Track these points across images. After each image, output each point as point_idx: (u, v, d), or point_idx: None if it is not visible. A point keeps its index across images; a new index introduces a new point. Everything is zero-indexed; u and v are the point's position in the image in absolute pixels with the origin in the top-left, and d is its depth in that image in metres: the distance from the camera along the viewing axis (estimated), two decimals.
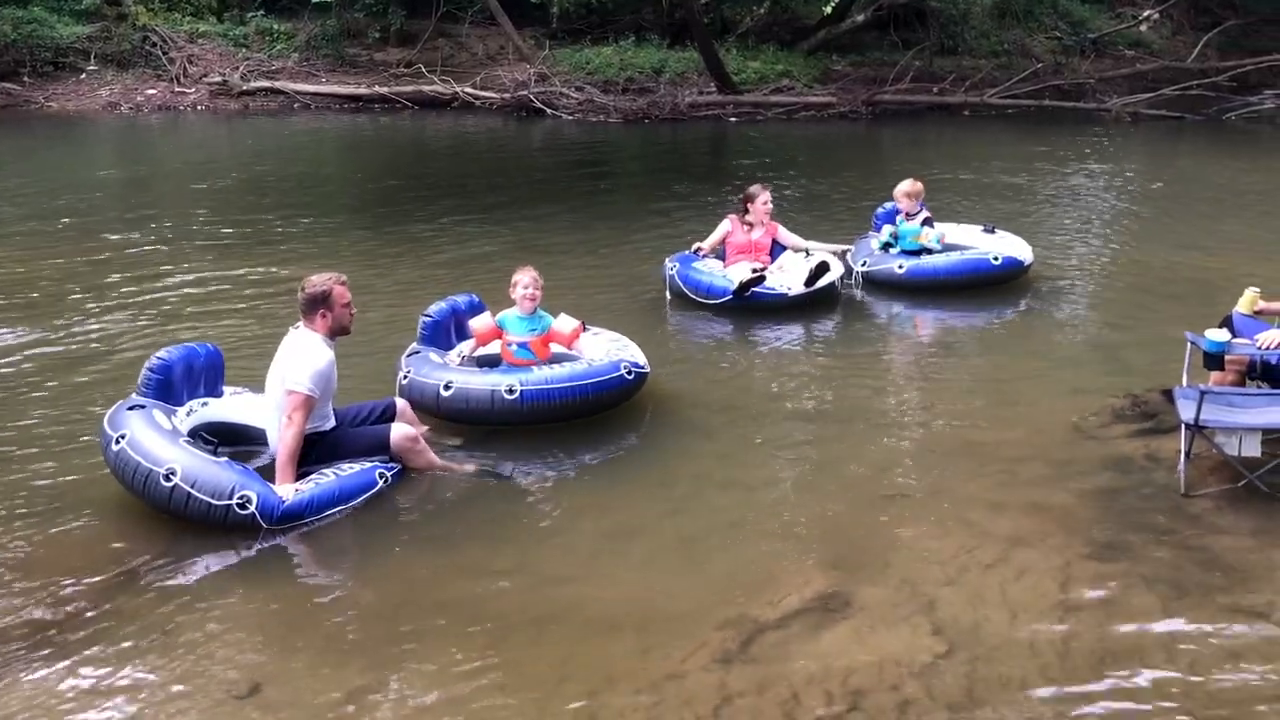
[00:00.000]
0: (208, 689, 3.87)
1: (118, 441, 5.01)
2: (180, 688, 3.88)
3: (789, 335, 7.87)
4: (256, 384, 5.77)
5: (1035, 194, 13.02)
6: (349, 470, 5.27)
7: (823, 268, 8.15)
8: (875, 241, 8.95)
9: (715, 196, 13.02)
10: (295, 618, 4.39)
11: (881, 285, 8.66)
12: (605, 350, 6.37)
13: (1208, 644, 4.04)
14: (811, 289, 8.09)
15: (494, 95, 21.43)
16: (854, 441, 5.99)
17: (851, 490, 5.40)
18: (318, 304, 5.30)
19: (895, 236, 8.87)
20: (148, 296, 8.70)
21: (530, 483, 5.50)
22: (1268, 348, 5.62)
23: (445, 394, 5.93)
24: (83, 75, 22.41)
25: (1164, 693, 3.77)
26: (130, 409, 5.20)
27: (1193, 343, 5.69)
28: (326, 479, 5.18)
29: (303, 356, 5.18)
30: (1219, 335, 5.55)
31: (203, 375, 5.63)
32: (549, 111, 20.49)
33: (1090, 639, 4.08)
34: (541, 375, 5.97)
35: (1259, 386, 5.81)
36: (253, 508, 4.87)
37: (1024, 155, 15.93)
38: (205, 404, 5.60)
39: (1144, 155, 16.77)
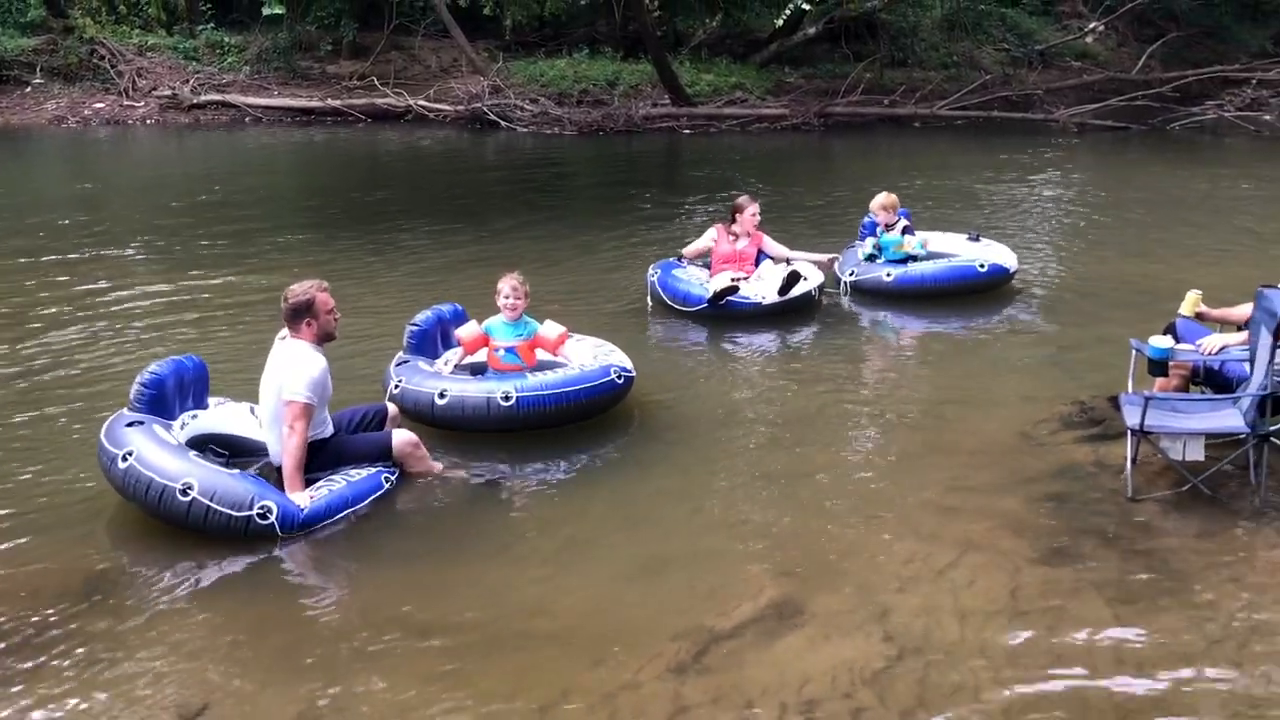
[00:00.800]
0: (155, 711, 3.82)
1: (125, 459, 4.96)
2: (128, 709, 3.82)
3: (758, 344, 7.93)
4: (232, 394, 5.76)
5: (984, 204, 13.19)
6: (356, 475, 5.33)
7: (794, 277, 8.19)
8: (861, 251, 9.07)
9: (672, 208, 13.09)
10: (249, 635, 4.33)
11: (869, 294, 8.76)
12: (591, 356, 6.44)
13: (1155, 647, 4.09)
14: (785, 298, 8.15)
15: (448, 108, 21.42)
16: (811, 450, 6.03)
17: (806, 499, 5.43)
18: (302, 313, 5.30)
19: (878, 248, 9.00)
20: (102, 311, 8.59)
21: (489, 495, 5.48)
22: (1210, 353, 5.73)
23: (440, 402, 5.95)
24: (28, 88, 22.12)
25: (1113, 697, 3.81)
26: (129, 425, 5.14)
27: (1137, 349, 5.78)
28: (337, 484, 5.25)
29: (298, 366, 5.19)
30: (1163, 342, 5.64)
31: (191, 387, 5.61)
32: (503, 124, 20.50)
33: (1040, 643, 4.12)
34: (536, 381, 6.02)
35: (1202, 391, 5.92)
36: (273, 518, 4.91)
37: (973, 166, 16.13)
38: (195, 416, 5.56)
39: (1090, 165, 17.04)
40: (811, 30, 23.66)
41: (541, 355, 6.50)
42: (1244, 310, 5.84)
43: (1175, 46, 24.81)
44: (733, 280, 8.24)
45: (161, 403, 5.37)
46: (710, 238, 8.75)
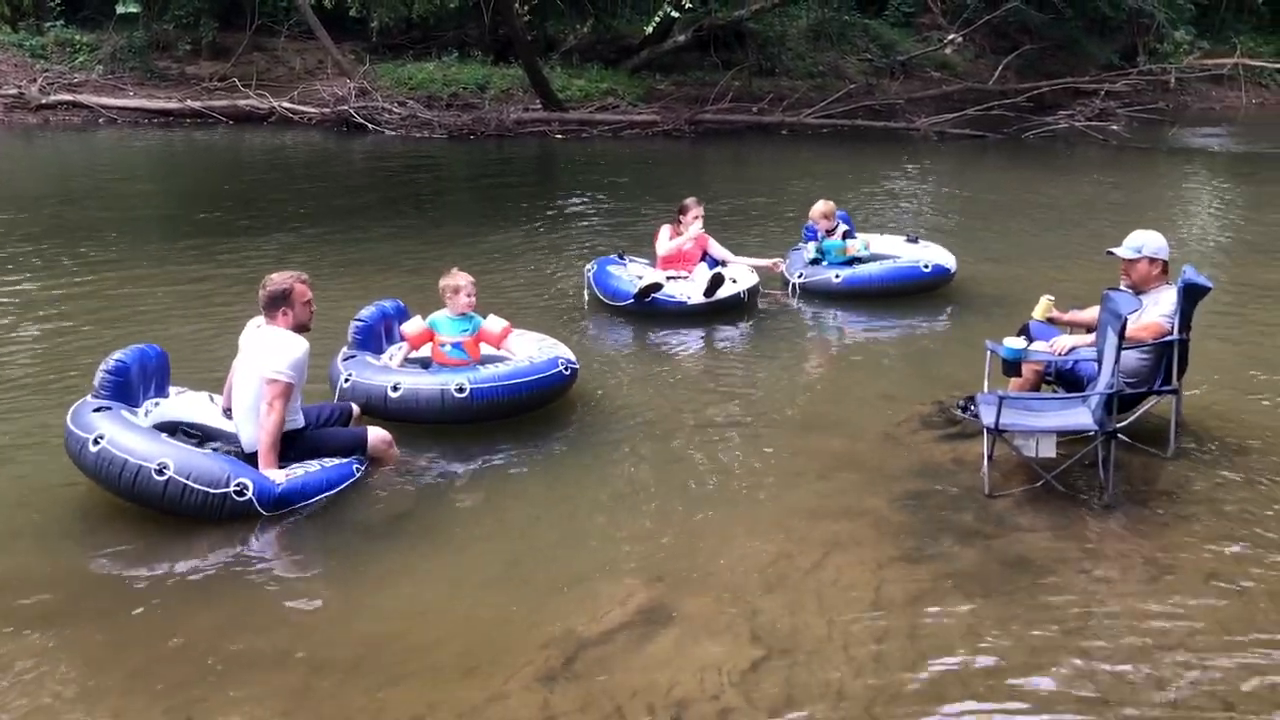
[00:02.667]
0: None
1: (96, 442, 4.99)
2: None
3: (671, 344, 8.04)
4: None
5: (849, 210, 13.43)
6: (329, 462, 5.40)
7: (718, 280, 8.35)
8: (805, 255, 9.26)
9: (552, 211, 13.04)
10: (105, 655, 4.14)
11: (817, 295, 9.01)
12: (535, 349, 6.58)
13: (1011, 640, 4.20)
14: (710, 300, 8.29)
15: (313, 110, 20.96)
16: (682, 453, 6.06)
17: (675, 502, 5.45)
18: (279, 301, 5.37)
19: (821, 252, 9.21)
20: None
21: (356, 508, 5.34)
22: (1061, 353, 5.95)
23: (394, 394, 6.01)
24: None
25: (972, 690, 3.91)
26: (96, 410, 5.19)
27: (992, 350, 5.96)
28: (312, 467, 5.32)
29: (281, 347, 5.27)
30: (1016, 343, 5.83)
31: (154, 376, 5.65)
32: (371, 126, 20.14)
33: (903, 639, 4.21)
34: (488, 374, 6.14)
35: (1055, 391, 6.14)
36: (250, 494, 4.99)
37: (839, 172, 16.49)
38: (158, 404, 5.60)
39: (950, 172, 17.56)
40: (681, 38, 23.87)
41: (485, 349, 6.58)
42: (1093, 313, 6.08)
43: (1029, 58, 25.80)
44: (654, 280, 8.36)
45: (126, 389, 5.42)
46: (664, 238, 8.94)
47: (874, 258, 9.22)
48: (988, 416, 5.31)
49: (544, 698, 3.85)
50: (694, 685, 3.90)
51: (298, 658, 4.11)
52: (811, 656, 4.08)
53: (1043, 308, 6.42)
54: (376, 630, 4.30)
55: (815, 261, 9.18)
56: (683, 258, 8.87)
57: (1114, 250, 6.08)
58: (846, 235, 9.27)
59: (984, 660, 4.07)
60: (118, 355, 5.47)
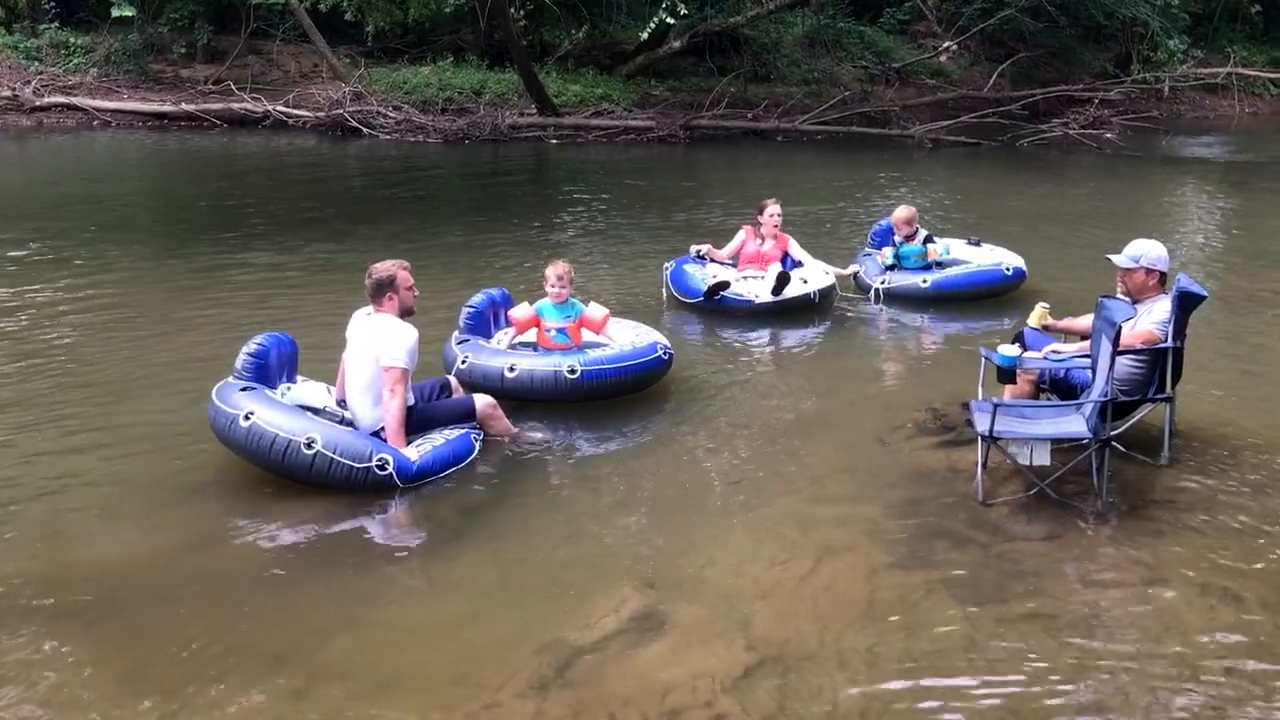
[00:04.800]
0: None
1: (246, 418, 5.35)
2: None
3: (722, 342, 8.21)
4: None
5: (846, 215, 13.48)
6: (451, 434, 5.78)
7: (784, 279, 8.51)
8: (880, 260, 9.37)
9: (539, 218, 13.03)
10: (94, 654, 4.11)
11: (901, 299, 9.08)
12: (633, 335, 7.02)
13: (1006, 647, 4.20)
14: (777, 299, 8.47)
15: (308, 114, 20.95)
16: (675, 459, 6.05)
17: (668, 508, 5.44)
18: (384, 288, 5.75)
19: (898, 257, 9.30)
20: None
21: (346, 514, 5.32)
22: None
23: (510, 375, 6.46)
24: None
25: (965, 697, 3.90)
26: (242, 390, 5.56)
27: (986, 358, 5.96)
28: (437, 441, 5.69)
29: (394, 335, 5.62)
30: (1011, 350, 5.83)
31: (287, 362, 6.00)
32: (365, 131, 20.14)
33: (896, 646, 4.19)
34: (597, 356, 6.62)
35: (1049, 398, 6.14)
36: (390, 468, 5.35)
37: (834, 179, 16.51)
38: (289, 388, 5.93)
39: (944, 179, 17.58)
40: (677, 44, 23.88)
41: (586, 335, 6.98)
42: (1087, 321, 6.07)
43: (1024, 66, 25.87)
44: (724, 279, 8.61)
45: (265, 372, 5.79)
46: (739, 238, 9.23)
47: (954, 262, 9.35)
48: (982, 424, 5.30)
49: (537, 705, 3.83)
50: (687, 692, 3.89)
51: (292, 662, 4.08)
52: (805, 664, 4.07)
53: (1038, 315, 6.43)
54: (370, 638, 4.28)
55: (891, 267, 9.28)
56: (760, 258, 9.06)
57: (1112, 258, 6.08)
58: (928, 240, 9.39)
59: (978, 668, 4.06)
60: (258, 340, 5.84)
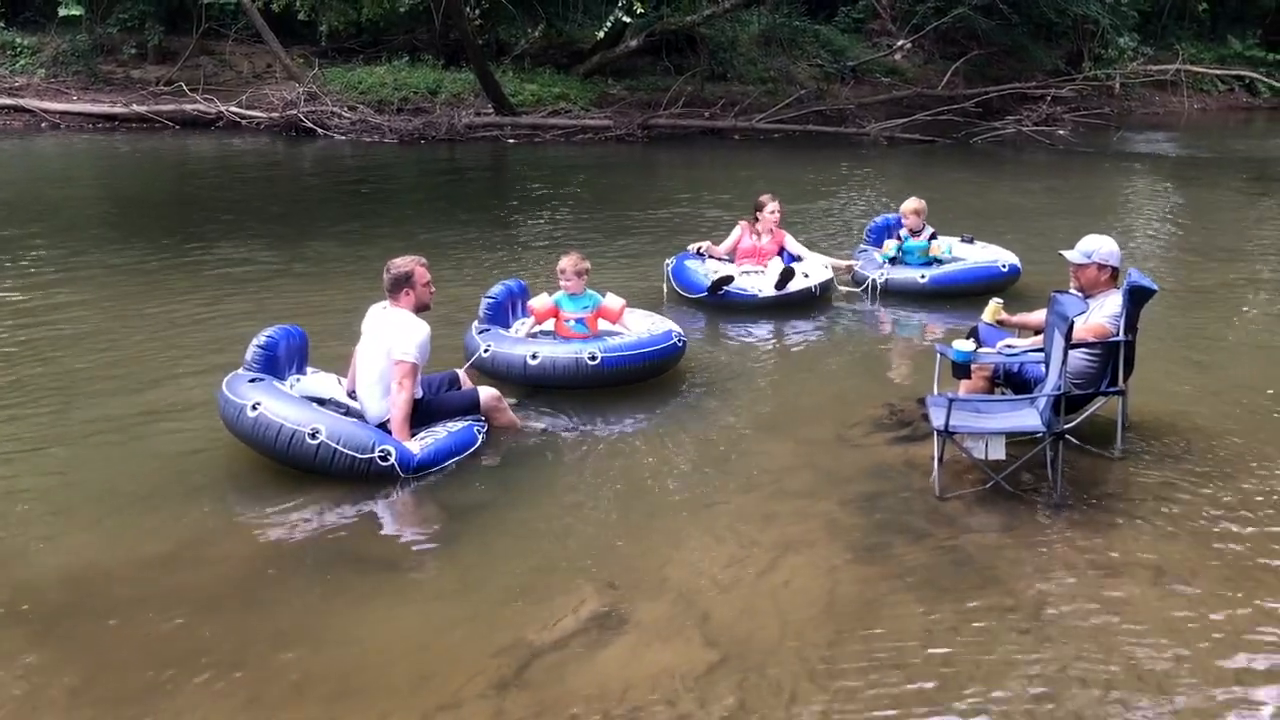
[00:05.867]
0: None
1: (254, 408, 5.45)
2: None
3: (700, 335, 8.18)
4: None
5: (804, 213, 13.51)
6: (454, 428, 5.86)
7: (789, 273, 8.65)
8: (881, 254, 9.43)
9: (498, 216, 12.98)
10: (46, 664, 4.05)
11: (897, 294, 9.18)
12: (648, 324, 7.25)
13: (964, 640, 4.23)
14: (781, 293, 8.58)
15: (261, 115, 20.73)
16: (633, 458, 6.04)
17: (628, 507, 5.43)
18: (402, 283, 5.88)
19: (902, 251, 9.36)
20: None
21: (305, 519, 5.27)
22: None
23: (533, 362, 6.66)
24: None
25: (923, 691, 3.92)
26: (250, 381, 5.68)
27: (942, 353, 6.01)
28: (440, 434, 5.79)
29: (407, 330, 5.75)
30: (965, 346, 5.89)
31: (297, 354, 6.12)
32: (320, 131, 19.98)
33: (855, 641, 4.22)
34: (616, 344, 6.83)
35: (1004, 393, 6.19)
36: (393, 459, 5.45)
37: (793, 177, 16.55)
38: (299, 380, 6.07)
39: (901, 176, 17.70)
40: (633, 43, 23.87)
41: (602, 324, 7.17)
42: (1040, 316, 6.14)
43: (977, 64, 26.09)
44: (727, 274, 8.74)
45: (274, 364, 5.90)
46: (736, 234, 9.38)
47: (955, 260, 9.40)
48: (937, 418, 5.34)
49: (497, 706, 3.81)
50: (648, 691, 3.89)
51: (249, 669, 4.04)
52: (765, 660, 4.08)
53: (991, 310, 6.50)
54: (328, 641, 4.24)
55: (894, 260, 9.34)
56: (758, 253, 9.20)
57: (1064, 254, 6.14)
58: (933, 236, 9.45)
59: (935, 662, 4.09)
60: (268, 332, 5.95)
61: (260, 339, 5.92)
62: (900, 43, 27.08)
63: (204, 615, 4.42)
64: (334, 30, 22.20)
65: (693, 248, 9.31)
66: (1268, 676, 4.02)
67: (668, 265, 9.21)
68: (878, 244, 9.70)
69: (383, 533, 5.27)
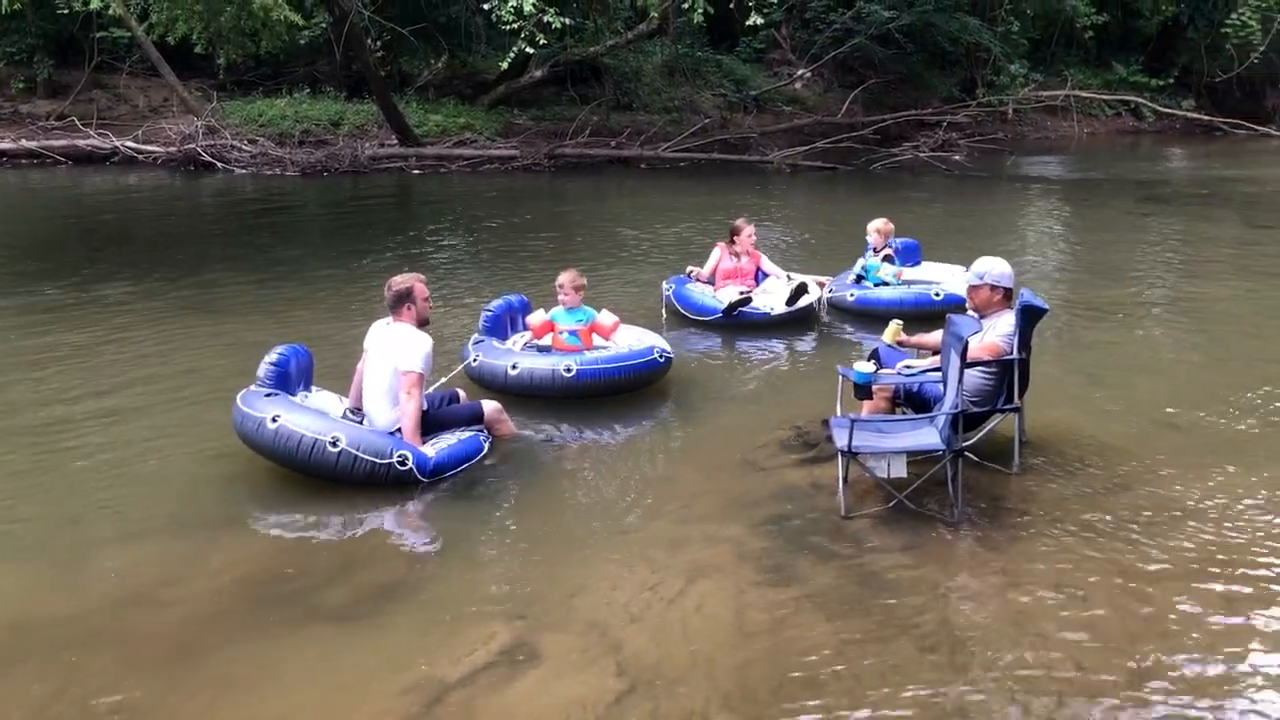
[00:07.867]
0: None
1: (273, 420, 5.68)
2: None
3: None
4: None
5: (718, 236, 13.63)
6: (462, 436, 6.17)
7: (801, 289, 9.07)
8: (850, 275, 9.71)
9: (403, 247, 12.87)
10: None
11: (839, 311, 9.60)
12: (637, 340, 7.59)
13: (872, 658, 4.28)
14: (792, 308, 8.98)
15: (159, 149, 20.30)
16: (539, 489, 6.02)
17: (535, 538, 5.40)
18: (403, 299, 6.17)
19: (865, 269, 9.66)
20: None
21: (192, 558, 5.15)
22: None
23: (512, 373, 7.04)
24: None
25: (834, 711, 3.96)
26: (266, 396, 5.92)
27: (844, 375, 6.11)
28: (450, 441, 6.09)
29: (412, 342, 6.05)
30: (866, 367, 6.00)
31: (304, 372, 6.38)
32: (220, 165, 19.62)
33: (765, 663, 4.25)
34: (592, 357, 7.20)
35: (904, 413, 6.31)
36: (410, 464, 5.72)
37: (698, 205, 16.71)
38: (306, 396, 6.33)
39: (803, 203, 18.00)
40: (538, 73, 23.94)
41: (597, 340, 7.53)
42: (938, 336, 6.28)
43: (875, 92, 26.70)
44: (741, 294, 9.14)
45: (285, 379, 6.16)
46: (715, 256, 9.69)
47: (905, 284, 9.58)
48: (840, 439, 5.43)
49: None
50: None
51: (154, 716, 3.92)
52: (676, 686, 4.09)
53: (892, 331, 6.63)
54: (232, 684, 4.14)
55: (860, 279, 9.62)
56: (740, 273, 9.61)
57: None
58: (888, 259, 9.70)
59: (844, 681, 4.13)
60: (279, 350, 6.22)
61: (272, 356, 6.18)
62: (800, 72, 27.59)
63: (96, 662, 4.28)
64: (232, 63, 21.84)
65: (688, 271, 9.67)
66: (1163, 679, 4.14)
67: (667, 290, 9.44)
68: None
69: (286, 569, 5.15)
